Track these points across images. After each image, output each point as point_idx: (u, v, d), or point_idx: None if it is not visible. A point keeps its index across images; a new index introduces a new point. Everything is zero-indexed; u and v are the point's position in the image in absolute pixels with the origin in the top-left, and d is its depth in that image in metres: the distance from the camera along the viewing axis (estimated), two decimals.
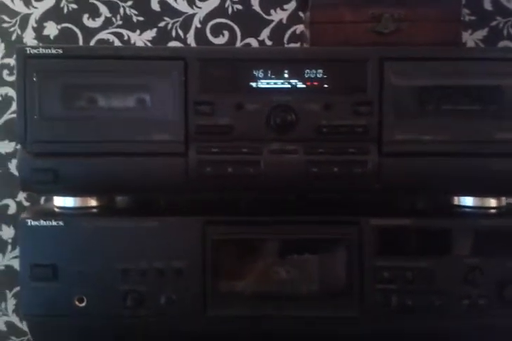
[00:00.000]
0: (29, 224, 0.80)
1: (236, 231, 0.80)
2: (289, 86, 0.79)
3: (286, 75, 0.79)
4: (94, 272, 0.79)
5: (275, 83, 0.80)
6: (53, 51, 0.79)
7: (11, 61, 1.26)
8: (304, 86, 0.79)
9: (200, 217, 0.80)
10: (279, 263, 0.80)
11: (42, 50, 0.78)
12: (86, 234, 0.80)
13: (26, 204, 1.28)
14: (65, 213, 0.86)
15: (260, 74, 0.79)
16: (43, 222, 0.80)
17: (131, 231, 0.80)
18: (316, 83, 0.79)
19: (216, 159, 0.80)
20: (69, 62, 0.82)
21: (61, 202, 0.88)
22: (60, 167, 0.82)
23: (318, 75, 0.77)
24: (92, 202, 0.88)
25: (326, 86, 0.79)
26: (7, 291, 1.28)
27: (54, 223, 0.80)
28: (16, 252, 1.24)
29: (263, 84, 0.80)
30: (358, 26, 0.96)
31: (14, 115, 1.23)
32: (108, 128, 0.82)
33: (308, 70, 0.78)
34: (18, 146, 1.20)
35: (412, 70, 0.79)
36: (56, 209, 0.87)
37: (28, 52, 0.79)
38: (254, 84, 0.80)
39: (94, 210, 0.88)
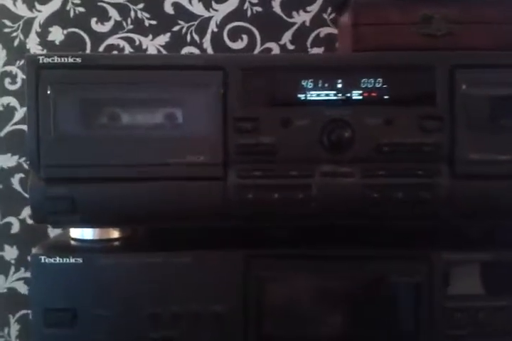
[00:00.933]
0: (43, 261, 0.67)
1: (284, 266, 0.69)
2: (344, 98, 0.69)
3: (339, 85, 0.69)
4: (119, 317, 0.68)
5: (327, 95, 0.69)
6: (70, 60, 0.66)
7: (13, 69, 1.18)
8: (360, 97, 0.68)
9: (241, 250, 0.70)
10: (333, 304, 0.65)
11: (57, 59, 0.66)
12: (108, 272, 0.69)
13: (30, 222, 1.18)
14: (84, 247, 0.74)
15: (309, 84, 0.69)
16: (59, 259, 0.66)
17: (161, 268, 0.69)
18: (374, 94, 0.69)
19: (259, 183, 0.69)
20: (89, 72, 0.70)
21: (78, 233, 0.76)
22: (78, 194, 0.70)
23: (377, 85, 0.68)
24: (114, 234, 0.77)
25: (386, 97, 0.69)
26: (10, 316, 1.20)
27: (72, 260, 0.68)
28: (20, 274, 1.21)
29: (313, 96, 0.69)
30: (406, 28, 0.85)
31: (17, 126, 1.18)
32: (133, 149, 0.70)
33: (365, 79, 0.68)
34: (21, 160, 1.20)
35: (489, 79, 0.65)
36: (72, 242, 0.75)
37: (40, 61, 0.66)
38: (302, 97, 0.69)
39: (117, 243, 0.76)
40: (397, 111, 0.67)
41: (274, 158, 0.69)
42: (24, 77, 1.09)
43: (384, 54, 0.71)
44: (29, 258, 1.13)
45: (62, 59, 0.67)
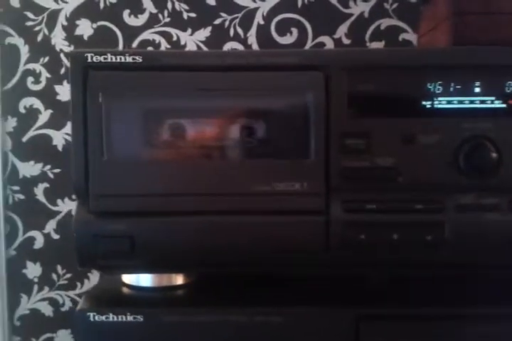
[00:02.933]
0: (92, 319, 0.50)
1: (408, 331, 0.51)
2: (483, 106, 0.52)
3: (477, 89, 0.52)
4: None
5: (460, 102, 0.52)
6: (129, 59, 0.46)
7: (37, 67, 1.04)
8: (504, 106, 0.51)
9: (350, 309, 0.51)
10: None
11: (111, 58, 0.46)
12: (175, 332, 0.52)
13: (55, 237, 1.05)
14: (142, 299, 0.56)
15: (437, 88, 0.52)
16: (113, 317, 0.47)
17: (243, 328, 0.51)
18: None
19: (373, 220, 0.52)
20: (152, 75, 0.52)
21: (133, 279, 0.59)
22: (139, 232, 0.53)
23: None
24: (178, 280, 0.59)
25: None
26: (33, 339, 1.07)
27: (130, 318, 0.51)
28: (44, 294, 1.08)
29: (442, 103, 0.52)
30: None
31: (40, 131, 1.04)
32: (207, 175, 0.53)
33: (511, 82, 0.51)
34: (46, 168, 1.05)
35: None
36: (126, 291, 0.58)
37: (89, 60, 0.46)
38: (428, 104, 0.52)
39: (182, 292, 0.58)
40: None
41: (392, 185, 0.52)
42: (49, 75, 1.03)
43: None
44: (54, 277, 1.06)
45: (118, 58, 0.49)
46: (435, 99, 0.50)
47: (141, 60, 0.50)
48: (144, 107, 0.51)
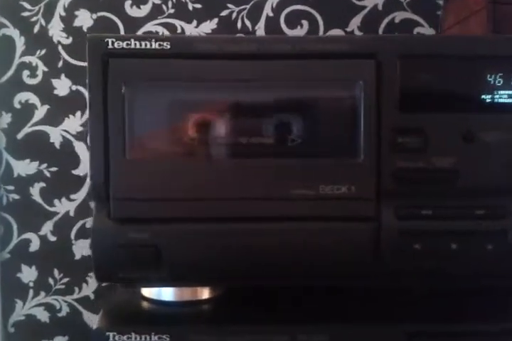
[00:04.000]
0: (112, 339, 0.39)
1: None
2: None
3: None
4: None
5: None
6: (155, 45, 0.38)
7: (33, 59, 0.98)
8: None
9: (400, 325, 0.45)
10: None
11: (134, 44, 0.38)
12: None
13: (52, 239, 0.99)
14: (166, 316, 0.49)
15: (498, 80, 0.46)
16: (135, 337, 0.41)
17: None
18: None
19: (429, 227, 0.46)
20: (182, 64, 0.45)
21: (154, 292, 0.52)
22: (165, 241, 0.46)
23: None
24: (204, 294, 0.52)
25: None
26: None
27: (155, 338, 0.44)
28: (40, 299, 1.01)
29: (503, 97, 0.46)
30: None
31: (37, 127, 0.98)
32: (241, 176, 0.46)
33: None
34: (42, 167, 0.99)
35: None
36: (146, 305, 0.51)
37: (110, 46, 0.39)
38: (488, 98, 0.46)
39: (208, 307, 0.51)
40: None
41: (450, 189, 0.46)
42: (46, 69, 0.97)
43: None
44: (51, 281, 1.00)
45: (143, 44, 0.41)
46: (495, 92, 0.44)
47: (169, 47, 0.44)
48: (173, 100, 0.45)
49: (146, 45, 0.44)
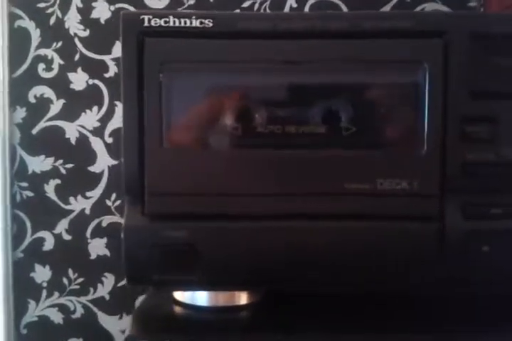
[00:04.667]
0: None
1: None
2: None
3: None
4: None
5: None
6: (196, 23, 0.34)
7: (49, 52, 0.94)
8: None
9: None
10: None
11: (174, 21, 0.33)
12: None
13: (67, 237, 0.95)
14: (200, 322, 0.44)
15: None
16: None
17: None
18: None
19: (500, 228, 0.40)
20: (226, 44, 0.40)
21: (187, 296, 0.46)
22: (203, 240, 0.41)
23: None
24: (241, 299, 0.47)
25: None
26: None
27: None
28: (54, 300, 0.97)
29: None
30: None
31: (52, 122, 0.94)
32: (288, 169, 0.41)
33: None
34: (58, 163, 0.95)
35: None
36: (179, 311, 0.46)
37: (146, 23, 0.34)
38: None
39: (246, 314, 0.46)
40: None
41: None
42: (62, 62, 0.92)
43: None
44: (65, 281, 0.95)
45: (182, 21, 0.36)
46: None
47: (211, 25, 0.38)
48: (214, 84, 0.39)
49: (186, 22, 0.39)
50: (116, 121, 0.92)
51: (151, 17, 0.39)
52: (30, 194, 0.97)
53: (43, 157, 0.97)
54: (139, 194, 0.40)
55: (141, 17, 0.39)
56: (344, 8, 0.93)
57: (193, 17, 0.39)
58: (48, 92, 0.96)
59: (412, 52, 0.40)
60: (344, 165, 0.40)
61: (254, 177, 0.40)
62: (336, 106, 0.40)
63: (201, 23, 0.39)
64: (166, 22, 0.39)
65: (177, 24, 0.39)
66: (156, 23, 0.39)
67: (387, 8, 0.93)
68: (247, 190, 0.40)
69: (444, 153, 0.40)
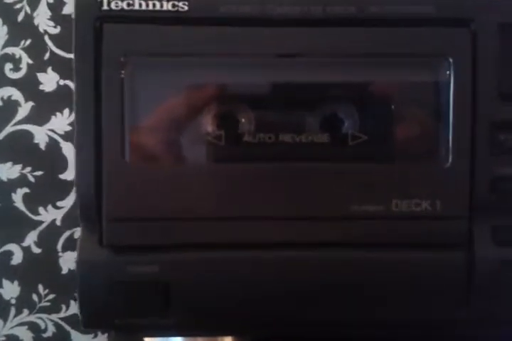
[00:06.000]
0: None
1: None
2: None
3: None
4: None
5: None
6: (168, 6, 0.28)
7: (17, 51, 0.88)
8: None
9: None
10: None
11: (141, 4, 0.25)
12: None
13: (37, 251, 0.89)
14: None
15: None
16: None
17: None
18: None
19: None
20: (206, 32, 0.32)
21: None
22: (178, 276, 0.33)
23: None
24: None
25: None
26: None
27: None
28: (23, 318, 0.90)
29: None
30: None
31: (20, 126, 0.89)
32: (284, 186, 0.33)
33: None
34: (26, 170, 0.89)
35: None
36: None
37: (105, 7, 0.27)
38: None
39: None
40: None
41: None
42: (31, 61, 0.84)
43: None
44: (35, 298, 0.88)
45: (150, 4, 0.28)
46: None
47: (186, 8, 0.30)
48: (191, 82, 0.32)
49: (155, 6, 0.30)
50: None
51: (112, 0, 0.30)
52: None
53: (9, 164, 0.91)
54: (95, 220, 0.31)
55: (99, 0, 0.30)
56: None
57: None
58: (15, 94, 0.90)
59: (434, 43, 0.32)
60: (351, 183, 0.32)
61: (240, 198, 0.32)
62: (341, 109, 0.32)
63: (174, 6, 0.31)
64: (129, 5, 0.31)
65: (143, 7, 0.31)
66: (117, 6, 0.30)
67: None
68: (232, 214, 0.32)
69: (473, 166, 0.32)
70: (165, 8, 0.32)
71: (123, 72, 0.32)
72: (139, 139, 0.32)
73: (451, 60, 0.32)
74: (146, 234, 0.32)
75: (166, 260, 0.33)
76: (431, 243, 0.33)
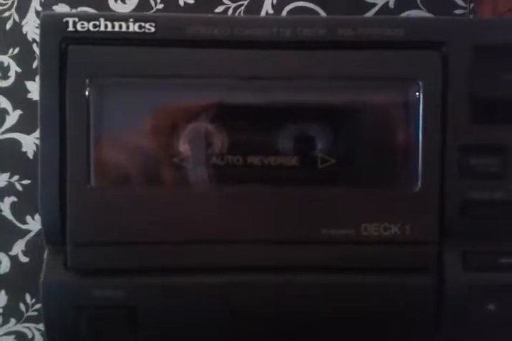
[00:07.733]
0: None
1: None
2: None
3: None
4: None
5: None
6: (134, 28, 0.27)
7: (5, 59, 0.88)
8: None
9: None
10: None
11: (106, 25, 0.25)
12: None
13: (24, 260, 0.90)
14: None
15: None
16: None
17: None
18: None
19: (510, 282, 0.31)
20: (173, 54, 0.31)
21: None
22: (144, 301, 0.32)
23: None
24: None
25: None
26: None
27: None
28: (10, 327, 0.91)
29: None
30: None
31: (8, 135, 0.89)
32: (252, 210, 0.32)
33: None
34: (14, 179, 0.90)
35: None
36: None
37: (71, 27, 0.26)
38: None
39: None
40: None
41: None
42: (19, 69, 0.84)
43: None
44: (22, 307, 0.88)
45: (117, 25, 0.29)
46: None
47: (153, 30, 0.30)
48: (157, 104, 0.30)
49: (121, 27, 0.30)
50: None
51: (76, 20, 0.30)
52: None
53: None
54: (60, 243, 0.30)
55: (65, 19, 0.30)
56: (323, 15, 0.87)
57: (131, 20, 0.30)
58: (3, 102, 0.90)
59: (404, 66, 0.31)
60: (320, 206, 0.32)
61: (206, 221, 0.31)
62: (310, 132, 0.31)
63: (140, 27, 0.30)
64: (95, 26, 0.30)
65: (110, 28, 0.30)
66: (83, 28, 0.30)
67: (369, 14, 0.87)
68: (199, 237, 0.31)
69: (443, 191, 0.31)
70: (131, 29, 0.31)
71: (88, 93, 0.31)
72: (103, 162, 0.32)
73: (420, 83, 0.32)
74: (111, 258, 0.32)
75: (132, 284, 0.32)
76: (400, 267, 0.33)
